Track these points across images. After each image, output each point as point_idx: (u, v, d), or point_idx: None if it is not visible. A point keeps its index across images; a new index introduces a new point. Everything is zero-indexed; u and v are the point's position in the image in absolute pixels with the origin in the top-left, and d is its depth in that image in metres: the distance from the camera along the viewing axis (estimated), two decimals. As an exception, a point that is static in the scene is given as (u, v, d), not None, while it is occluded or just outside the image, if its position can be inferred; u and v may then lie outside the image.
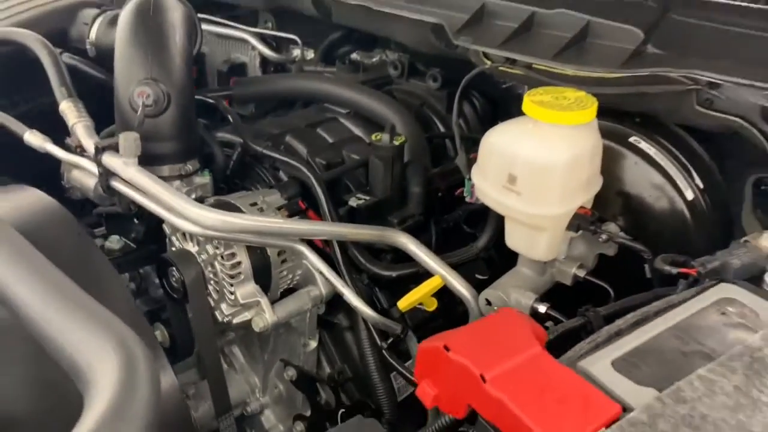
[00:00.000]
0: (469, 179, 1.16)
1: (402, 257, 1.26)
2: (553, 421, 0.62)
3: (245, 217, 1.10)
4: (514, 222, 1.06)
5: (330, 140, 1.49)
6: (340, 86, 1.54)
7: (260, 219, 1.11)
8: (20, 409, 0.80)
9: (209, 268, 1.17)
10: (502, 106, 1.63)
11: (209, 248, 1.15)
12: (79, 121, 1.21)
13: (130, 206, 1.21)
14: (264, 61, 2.03)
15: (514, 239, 1.08)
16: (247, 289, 1.16)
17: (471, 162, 1.16)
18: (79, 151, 1.28)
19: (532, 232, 1.04)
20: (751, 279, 0.87)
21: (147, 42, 1.25)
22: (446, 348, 0.70)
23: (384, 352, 1.19)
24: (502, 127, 1.05)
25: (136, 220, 1.30)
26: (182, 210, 1.03)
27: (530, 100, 0.98)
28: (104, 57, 1.64)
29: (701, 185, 1.14)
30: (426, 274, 1.20)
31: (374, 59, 1.83)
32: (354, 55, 1.87)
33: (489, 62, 1.22)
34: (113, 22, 1.67)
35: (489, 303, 1.08)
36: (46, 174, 1.30)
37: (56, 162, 1.30)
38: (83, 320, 0.69)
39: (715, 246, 1.14)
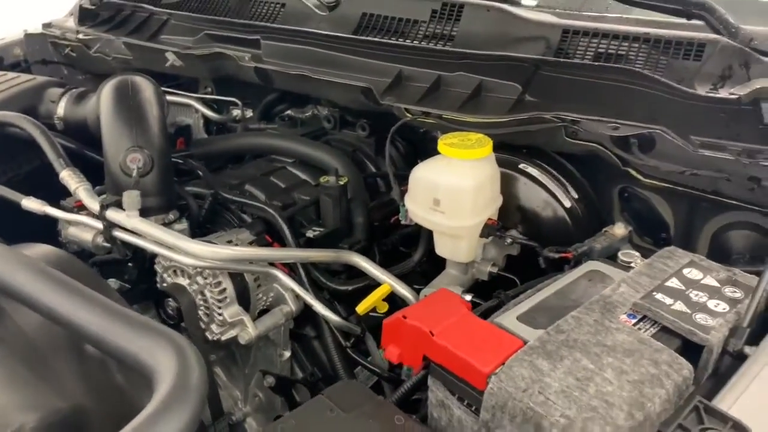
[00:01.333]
0: (404, 206, 1.49)
1: (354, 276, 1.57)
2: (480, 354, 0.93)
3: (233, 248, 1.38)
4: (440, 234, 1.39)
5: (282, 185, 1.78)
6: (286, 140, 1.84)
7: (244, 249, 1.39)
8: (87, 405, 1.04)
9: (199, 296, 1.44)
10: (421, 146, 1.98)
11: (199, 279, 1.42)
12: (80, 185, 1.46)
13: (127, 252, 1.47)
14: (207, 122, 2.31)
15: (441, 247, 1.41)
16: (233, 310, 1.43)
17: (403, 193, 1.49)
18: (76, 210, 1.53)
19: (455, 241, 1.37)
20: (610, 257, 1.23)
21: (130, 117, 1.52)
22: (404, 317, 1.00)
23: (348, 350, 1.48)
24: (424, 165, 1.38)
25: (130, 264, 1.54)
26: (185, 247, 1.30)
27: (443, 143, 1.32)
28: (71, 130, 1.90)
29: (576, 195, 1.50)
30: (375, 286, 1.50)
31: (307, 114, 2.14)
32: (289, 112, 2.19)
33: (410, 115, 1.55)
34: (79, 99, 1.92)
35: (427, 299, 1.39)
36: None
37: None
38: (138, 328, 0.94)
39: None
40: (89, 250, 1.54)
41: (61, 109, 1.93)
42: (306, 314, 1.55)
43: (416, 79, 1.58)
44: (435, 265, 1.53)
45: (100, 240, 1.51)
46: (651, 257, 1.13)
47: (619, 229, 1.25)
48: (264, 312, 1.53)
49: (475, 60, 1.52)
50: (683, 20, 1.47)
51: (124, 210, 1.39)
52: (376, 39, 1.66)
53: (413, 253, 1.61)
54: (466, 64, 1.53)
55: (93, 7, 2.35)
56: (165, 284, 1.49)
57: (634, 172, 1.41)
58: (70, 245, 1.56)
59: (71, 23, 2.45)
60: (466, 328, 0.99)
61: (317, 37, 1.73)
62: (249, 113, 2.27)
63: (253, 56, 1.84)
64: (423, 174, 1.36)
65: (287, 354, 1.57)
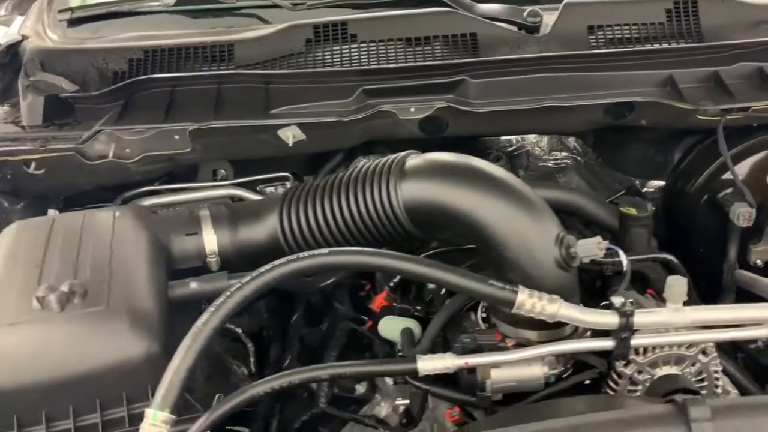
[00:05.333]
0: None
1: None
2: None
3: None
4: None
5: None
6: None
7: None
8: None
9: (696, 377, 1.18)
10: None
11: (701, 357, 1.16)
12: (560, 302, 1.04)
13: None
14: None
15: None
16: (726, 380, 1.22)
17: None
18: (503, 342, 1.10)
19: None
20: None
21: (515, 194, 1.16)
22: None
23: None
24: None
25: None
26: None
27: None
28: (235, 264, 1.31)
29: None
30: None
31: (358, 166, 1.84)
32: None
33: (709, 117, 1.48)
34: (235, 217, 1.35)
35: None
36: None
37: None
38: None
39: None
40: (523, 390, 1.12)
41: (212, 242, 1.31)
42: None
43: (691, 81, 1.51)
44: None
45: (547, 369, 1.11)
46: None
47: None
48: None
49: (745, 49, 1.52)
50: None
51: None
52: (621, 49, 1.53)
53: None
54: (738, 54, 1.52)
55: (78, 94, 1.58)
56: (639, 384, 1.17)
57: None
58: (496, 394, 1.11)
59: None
60: None
61: (546, 62, 1.50)
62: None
63: (452, 100, 1.49)
64: None
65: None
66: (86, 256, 1.19)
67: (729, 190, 1.55)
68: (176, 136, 1.51)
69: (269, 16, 1.78)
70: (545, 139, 2.08)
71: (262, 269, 1.04)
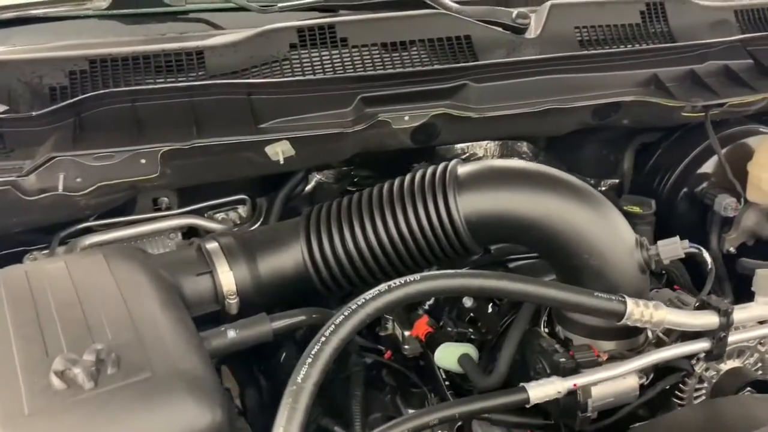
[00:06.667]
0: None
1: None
2: None
3: None
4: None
5: None
6: None
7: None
8: None
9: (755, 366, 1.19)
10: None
11: (760, 347, 1.17)
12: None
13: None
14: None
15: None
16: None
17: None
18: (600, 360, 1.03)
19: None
20: None
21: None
22: None
23: None
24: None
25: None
26: None
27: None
28: (257, 304, 1.15)
29: None
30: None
31: (311, 185, 1.74)
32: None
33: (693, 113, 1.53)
34: (249, 247, 1.18)
35: None
36: None
37: None
38: None
39: None
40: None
41: (230, 284, 1.13)
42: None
43: (673, 79, 1.55)
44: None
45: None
46: None
47: None
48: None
49: (711, 48, 1.59)
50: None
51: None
52: (614, 50, 1.54)
53: None
54: (704, 53, 1.59)
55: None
56: (705, 381, 1.15)
57: None
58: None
59: None
60: None
61: (545, 64, 1.47)
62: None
63: (451, 106, 1.40)
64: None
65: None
66: (96, 313, 0.95)
67: (705, 184, 1.62)
68: (142, 160, 1.28)
69: (222, 21, 1.60)
70: (494, 145, 2.07)
71: (352, 305, 0.89)
